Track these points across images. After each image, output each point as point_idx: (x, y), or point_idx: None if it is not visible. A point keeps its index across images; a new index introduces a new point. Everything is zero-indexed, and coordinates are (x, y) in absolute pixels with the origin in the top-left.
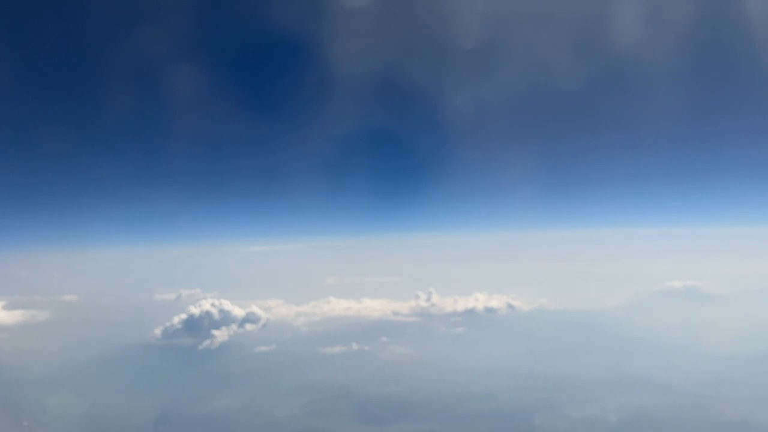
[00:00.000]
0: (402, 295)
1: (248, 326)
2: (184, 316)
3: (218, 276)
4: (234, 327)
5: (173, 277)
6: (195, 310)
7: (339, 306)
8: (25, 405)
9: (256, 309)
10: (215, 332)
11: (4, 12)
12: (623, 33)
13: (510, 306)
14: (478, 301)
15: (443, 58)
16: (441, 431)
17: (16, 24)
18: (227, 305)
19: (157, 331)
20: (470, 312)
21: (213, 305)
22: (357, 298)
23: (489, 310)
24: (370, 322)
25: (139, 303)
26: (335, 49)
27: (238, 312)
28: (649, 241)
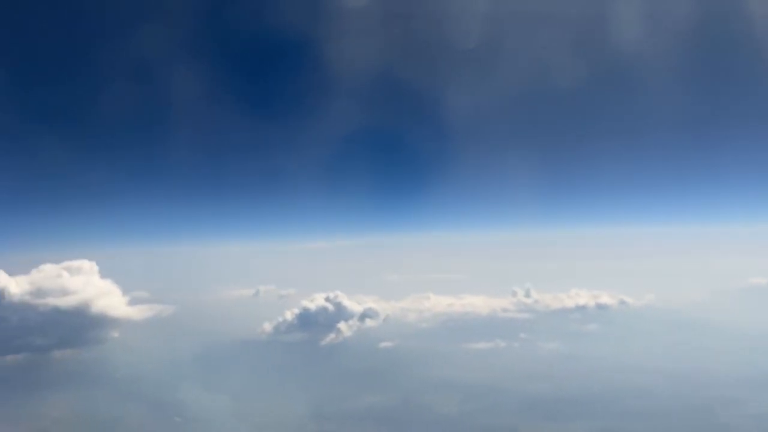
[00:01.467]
0: (486, 292)
1: (368, 322)
2: (296, 311)
3: (287, 272)
4: (351, 322)
5: (241, 274)
6: (311, 305)
7: (441, 302)
8: (168, 401)
9: (373, 305)
10: (335, 328)
11: (4, 12)
12: (625, 32)
13: (622, 302)
14: (581, 297)
15: (445, 58)
16: (620, 428)
17: (16, 24)
18: (344, 301)
19: (267, 327)
20: (602, 308)
21: (328, 300)
22: (456, 295)
23: (601, 307)
24: (482, 317)
25: (224, 299)
26: (339, 48)
27: (355, 307)
28: (721, 237)
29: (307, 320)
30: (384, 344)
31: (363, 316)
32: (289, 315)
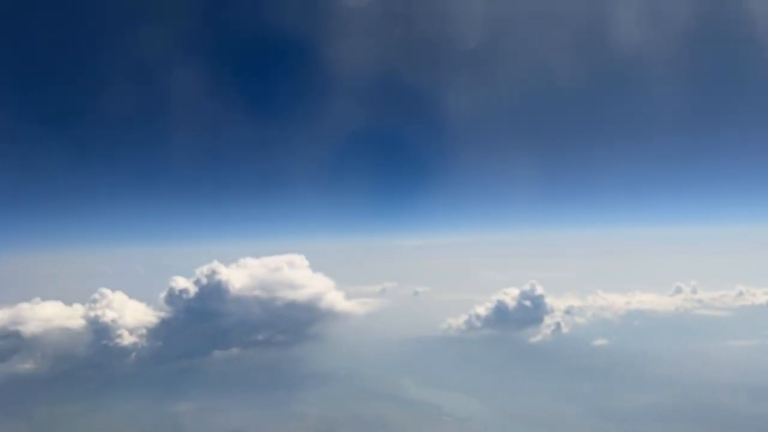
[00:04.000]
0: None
1: (567, 318)
2: (489, 306)
3: (395, 270)
4: (552, 318)
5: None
6: (509, 300)
7: (617, 299)
8: (417, 399)
9: (573, 301)
10: (536, 324)
11: (5, 12)
12: (628, 33)
13: None
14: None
15: (450, 59)
16: None
17: (17, 23)
18: (543, 295)
19: (456, 322)
20: None
21: (525, 295)
22: (624, 292)
23: None
24: (671, 315)
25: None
26: (342, 48)
27: (556, 303)
28: None
29: (504, 315)
30: (598, 342)
31: (565, 313)
32: (481, 310)
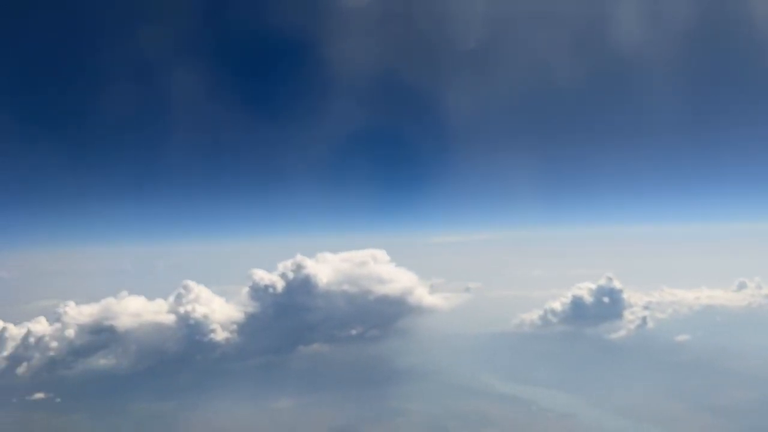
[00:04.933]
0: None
1: (645, 314)
2: (564, 301)
3: (443, 266)
4: (632, 314)
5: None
6: (585, 296)
7: (685, 295)
8: (508, 394)
9: (651, 297)
10: (615, 319)
11: (5, 12)
12: (627, 32)
13: None
14: None
15: (450, 58)
16: None
17: (16, 23)
18: (623, 291)
19: (530, 317)
20: None
21: (602, 291)
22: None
23: None
24: (746, 311)
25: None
26: (343, 48)
27: (634, 299)
28: None
29: (581, 311)
30: (680, 337)
31: (644, 308)
32: (557, 306)
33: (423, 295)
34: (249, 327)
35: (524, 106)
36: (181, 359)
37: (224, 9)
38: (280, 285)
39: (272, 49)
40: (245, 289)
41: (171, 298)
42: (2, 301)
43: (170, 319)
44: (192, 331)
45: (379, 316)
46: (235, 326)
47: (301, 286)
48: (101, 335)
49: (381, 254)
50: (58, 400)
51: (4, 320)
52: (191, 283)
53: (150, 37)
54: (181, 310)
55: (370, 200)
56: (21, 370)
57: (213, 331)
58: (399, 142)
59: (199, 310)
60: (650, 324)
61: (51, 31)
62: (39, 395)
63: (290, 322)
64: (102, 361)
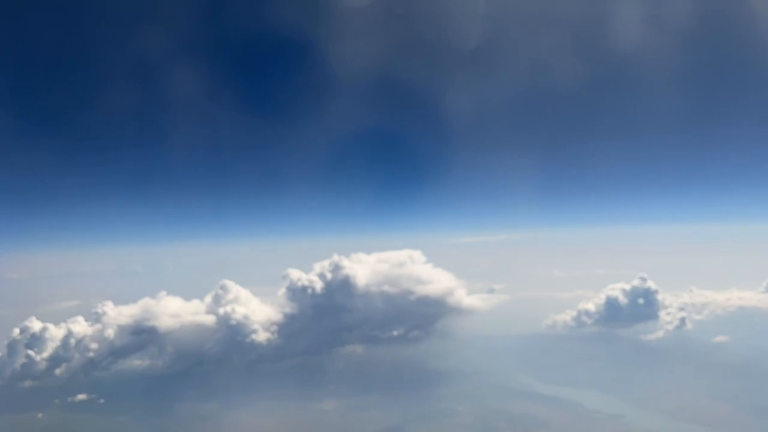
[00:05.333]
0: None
1: (681, 314)
2: (597, 302)
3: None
4: (666, 315)
5: None
6: (619, 296)
7: (716, 296)
8: (561, 397)
9: (682, 298)
10: (650, 320)
11: (5, 11)
12: (627, 32)
13: None
14: None
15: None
16: None
17: (16, 23)
18: (658, 292)
19: (562, 318)
20: None
21: (636, 292)
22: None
23: None
24: None
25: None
26: (345, 48)
27: (668, 299)
28: None
29: (615, 312)
30: (718, 339)
31: (680, 309)
32: (590, 306)
33: (462, 296)
34: (288, 327)
35: (540, 106)
36: (220, 360)
37: (224, 9)
38: (319, 285)
39: (282, 50)
40: (281, 290)
41: (208, 299)
42: (22, 303)
43: (210, 319)
44: (233, 331)
45: (420, 317)
46: (275, 327)
47: (340, 287)
48: (141, 336)
49: (417, 255)
50: (102, 401)
51: (42, 320)
52: (229, 283)
53: (150, 36)
54: (221, 311)
55: (381, 202)
56: (59, 371)
57: (254, 331)
58: (409, 143)
59: (239, 311)
60: (689, 325)
61: (52, 32)
62: (81, 396)
63: (329, 323)
64: (136, 362)
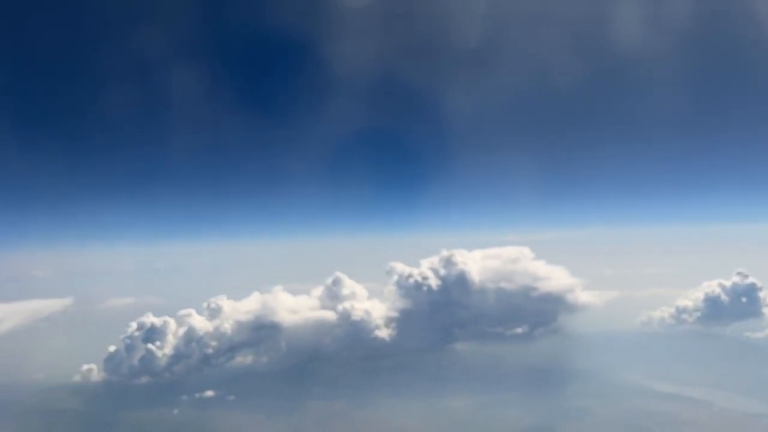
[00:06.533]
0: None
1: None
2: (696, 299)
3: None
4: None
5: None
6: (720, 293)
7: None
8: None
9: None
10: (751, 318)
11: (5, 11)
12: (627, 32)
13: None
14: None
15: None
16: None
17: (16, 23)
18: (761, 289)
19: (659, 315)
20: None
21: (738, 289)
22: None
23: None
24: None
25: None
26: (343, 48)
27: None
28: None
29: (717, 309)
30: None
31: None
32: (688, 303)
33: (580, 292)
34: (403, 323)
35: (569, 105)
36: (340, 356)
37: (224, 9)
38: (434, 282)
39: (283, 49)
40: (390, 286)
41: (320, 293)
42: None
43: (328, 315)
44: (355, 328)
45: (538, 313)
46: (393, 323)
47: (456, 283)
48: (261, 332)
49: (526, 251)
50: (231, 398)
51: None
52: (343, 278)
53: (150, 36)
54: (340, 306)
55: (399, 201)
56: (178, 367)
57: (377, 327)
58: (413, 143)
59: (358, 307)
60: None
61: (51, 31)
62: (209, 393)
63: (444, 319)
64: (247, 359)
